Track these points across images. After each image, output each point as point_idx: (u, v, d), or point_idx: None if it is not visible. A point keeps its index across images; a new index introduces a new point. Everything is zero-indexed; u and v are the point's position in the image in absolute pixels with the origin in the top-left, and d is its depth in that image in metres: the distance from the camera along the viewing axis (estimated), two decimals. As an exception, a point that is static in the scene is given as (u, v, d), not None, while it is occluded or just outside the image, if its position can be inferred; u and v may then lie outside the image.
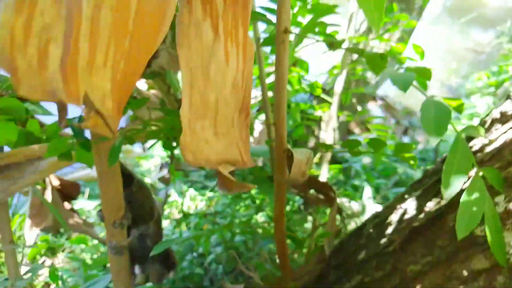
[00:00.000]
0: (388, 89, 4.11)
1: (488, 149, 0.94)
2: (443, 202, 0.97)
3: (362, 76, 2.30)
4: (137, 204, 1.51)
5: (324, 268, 1.35)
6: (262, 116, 2.68)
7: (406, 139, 3.76)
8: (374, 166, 3.04)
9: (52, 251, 2.79)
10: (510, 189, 0.85)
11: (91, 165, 1.51)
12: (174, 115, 1.38)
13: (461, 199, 0.73)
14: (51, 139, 1.41)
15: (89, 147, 1.34)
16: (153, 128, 1.44)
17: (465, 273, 0.88)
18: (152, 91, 1.98)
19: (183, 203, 2.96)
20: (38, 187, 2.19)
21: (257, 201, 2.56)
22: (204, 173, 3.47)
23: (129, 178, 1.54)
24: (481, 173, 0.77)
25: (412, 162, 1.01)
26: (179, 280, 2.20)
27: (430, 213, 1.01)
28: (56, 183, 2.17)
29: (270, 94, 1.68)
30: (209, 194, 3.00)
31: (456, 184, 0.71)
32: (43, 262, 2.68)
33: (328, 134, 2.37)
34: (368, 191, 2.20)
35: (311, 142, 2.96)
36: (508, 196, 0.84)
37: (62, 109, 1.29)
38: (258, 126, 2.59)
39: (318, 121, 2.99)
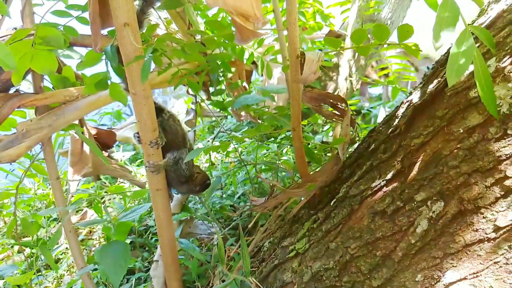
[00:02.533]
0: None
1: (483, 25, 1.03)
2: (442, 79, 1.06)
3: (377, 9, 2.32)
4: (170, 129, 1.68)
5: (339, 171, 1.47)
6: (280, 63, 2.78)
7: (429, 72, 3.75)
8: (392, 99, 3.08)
9: (90, 201, 3.03)
10: (500, 51, 0.94)
11: (124, 101, 1.68)
12: (195, 51, 1.46)
13: (451, 51, 0.83)
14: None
15: (122, 70, 1.49)
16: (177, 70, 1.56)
17: (461, 131, 0.98)
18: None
19: (210, 154, 3.13)
20: (77, 136, 2.38)
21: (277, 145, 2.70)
22: (227, 127, 3.64)
23: (160, 109, 1.70)
24: (470, 29, 0.86)
25: (414, 48, 1.10)
26: (212, 213, 2.38)
27: (431, 92, 1.11)
28: (93, 132, 2.32)
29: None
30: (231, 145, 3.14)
31: (445, 35, 0.81)
32: (85, 213, 2.93)
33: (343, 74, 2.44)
34: (382, 113, 2.28)
35: (330, 87, 3.03)
36: (499, 57, 0.94)
37: (96, 34, 1.43)
38: (277, 72, 2.70)
39: (336, 67, 3.05)
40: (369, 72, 3.53)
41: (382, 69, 3.17)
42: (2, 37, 1.70)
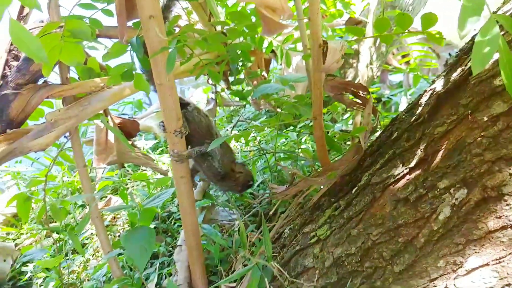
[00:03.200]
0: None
1: (508, 13, 1.02)
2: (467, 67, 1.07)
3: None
4: (193, 120, 1.71)
5: (360, 159, 1.49)
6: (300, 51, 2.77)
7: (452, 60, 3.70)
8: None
9: (116, 190, 3.13)
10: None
11: (147, 91, 1.72)
12: (216, 41, 1.48)
13: (475, 39, 0.84)
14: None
15: (147, 62, 1.53)
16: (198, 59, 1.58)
17: (485, 119, 0.99)
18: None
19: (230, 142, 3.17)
20: (102, 125, 2.45)
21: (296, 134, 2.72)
22: (246, 116, 3.66)
23: (185, 104, 1.74)
24: (495, 18, 0.86)
25: (438, 36, 1.11)
26: (232, 200, 2.43)
27: (455, 80, 1.12)
28: (117, 121, 2.37)
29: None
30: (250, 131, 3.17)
31: (470, 25, 0.82)
32: (109, 199, 3.02)
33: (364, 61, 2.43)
34: (404, 101, 2.27)
35: (350, 75, 3.03)
36: (524, 45, 0.93)
37: (122, 27, 1.47)
38: (295, 60, 2.70)
39: (356, 54, 3.04)
40: (389, 59, 3.50)
41: (403, 56, 3.14)
42: (30, 29, 1.75)
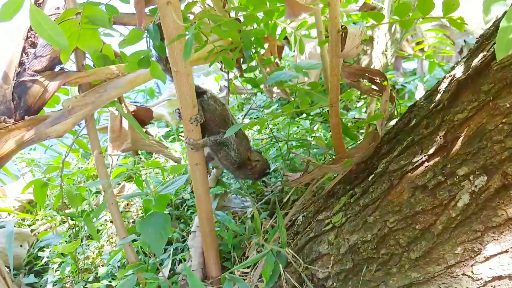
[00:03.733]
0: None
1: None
2: (489, 53, 1.05)
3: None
4: (208, 108, 1.71)
5: (377, 147, 1.49)
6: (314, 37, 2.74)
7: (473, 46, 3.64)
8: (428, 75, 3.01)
9: (129, 178, 3.16)
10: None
11: (163, 80, 1.73)
12: (231, 28, 1.48)
13: (500, 25, 0.82)
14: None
15: (164, 49, 1.54)
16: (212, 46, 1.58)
17: (507, 106, 0.98)
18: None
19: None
20: (116, 113, 2.47)
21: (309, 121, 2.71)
22: (258, 104, 3.66)
23: (202, 92, 1.74)
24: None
25: (459, 21, 1.09)
26: (245, 188, 2.45)
27: (476, 66, 1.10)
28: (132, 108, 2.39)
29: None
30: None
31: (495, 9, 0.80)
32: (123, 186, 3.06)
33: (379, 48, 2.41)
34: (421, 88, 2.25)
35: (364, 62, 3.00)
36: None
37: (141, 14, 1.47)
38: (308, 47, 2.68)
39: (370, 40, 3.01)
40: (403, 46, 3.46)
41: (418, 43, 3.10)
42: (46, 16, 1.76)
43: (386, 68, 3.09)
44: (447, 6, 1.08)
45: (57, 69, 1.81)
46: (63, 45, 1.14)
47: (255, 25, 2.07)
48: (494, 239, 1.02)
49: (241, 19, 1.78)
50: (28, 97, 1.73)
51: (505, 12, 0.86)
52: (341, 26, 1.20)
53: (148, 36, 1.50)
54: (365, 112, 2.77)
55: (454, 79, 1.22)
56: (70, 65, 1.92)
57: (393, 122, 1.59)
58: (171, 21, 1.33)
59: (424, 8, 1.09)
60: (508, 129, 0.99)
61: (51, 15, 1.76)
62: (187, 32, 1.34)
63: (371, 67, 2.78)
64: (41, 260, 2.52)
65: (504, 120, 1.00)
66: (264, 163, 1.80)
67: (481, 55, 1.13)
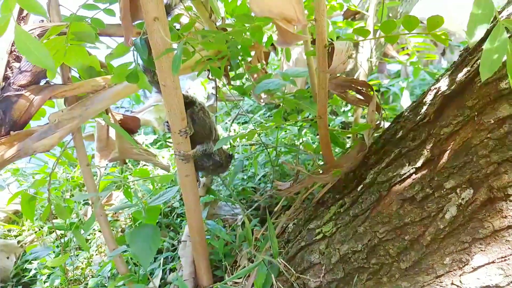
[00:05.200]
0: (425, 11, 3.99)
1: (514, 15, 1.04)
2: (472, 68, 1.08)
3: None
4: (198, 121, 1.72)
5: (365, 156, 1.51)
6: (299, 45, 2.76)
7: (444, 60, 3.73)
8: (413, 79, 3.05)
9: (117, 186, 3.13)
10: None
11: (149, 90, 1.72)
12: (218, 40, 1.49)
13: (484, 47, 0.85)
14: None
15: (152, 62, 1.53)
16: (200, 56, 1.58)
17: (491, 122, 1.01)
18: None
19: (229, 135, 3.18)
20: (103, 122, 2.45)
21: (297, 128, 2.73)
22: (245, 109, 3.67)
23: (191, 102, 1.75)
24: (503, 24, 0.87)
25: (443, 37, 1.12)
26: (235, 195, 2.45)
27: (460, 81, 1.13)
28: (118, 117, 2.37)
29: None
30: (250, 127, 3.18)
31: (479, 32, 0.83)
32: (110, 195, 3.03)
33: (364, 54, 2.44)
34: (406, 95, 2.29)
35: (349, 66, 3.03)
36: (531, 48, 0.95)
37: (127, 29, 1.46)
38: (295, 52, 2.70)
39: (355, 44, 3.03)
40: (387, 49, 3.50)
41: (403, 48, 3.14)
42: (30, 30, 1.73)
43: (371, 71, 3.14)
44: (432, 23, 1.11)
45: (42, 82, 1.79)
46: (50, 66, 1.13)
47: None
48: (482, 250, 1.05)
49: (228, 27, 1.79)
50: (13, 111, 1.70)
51: (489, 32, 0.88)
52: (328, 41, 1.22)
53: (135, 50, 1.49)
54: (352, 116, 2.81)
55: (439, 92, 1.25)
56: (56, 77, 1.90)
57: (382, 132, 1.61)
58: (159, 36, 1.32)
59: (409, 25, 1.12)
60: (493, 144, 1.02)
61: (35, 28, 1.74)
62: (175, 47, 1.34)
63: (357, 71, 2.81)
64: (29, 272, 2.48)
65: (489, 135, 1.03)
66: (224, 150, 1.86)
67: (465, 70, 1.16)
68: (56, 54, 1.41)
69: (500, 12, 1.19)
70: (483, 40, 0.96)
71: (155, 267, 2.24)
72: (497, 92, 1.02)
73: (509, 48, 0.87)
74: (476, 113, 1.06)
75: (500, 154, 1.00)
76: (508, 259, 0.99)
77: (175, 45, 1.31)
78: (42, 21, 1.81)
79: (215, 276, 2.02)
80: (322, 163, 1.87)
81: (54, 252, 2.53)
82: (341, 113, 2.95)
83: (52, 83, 1.79)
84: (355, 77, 2.70)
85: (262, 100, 2.47)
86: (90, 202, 2.69)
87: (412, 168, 1.21)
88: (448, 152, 1.12)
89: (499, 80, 1.03)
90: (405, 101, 2.39)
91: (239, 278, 1.83)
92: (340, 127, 2.95)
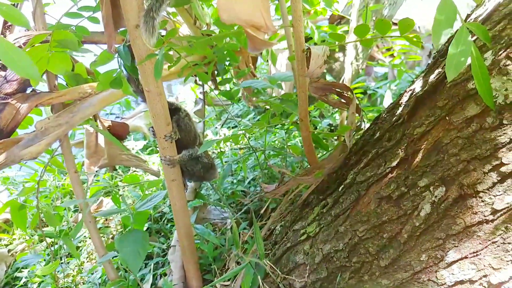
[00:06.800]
0: (410, 13, 4.05)
1: (481, 17, 1.08)
2: (442, 70, 1.12)
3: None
4: (184, 127, 1.75)
5: (346, 157, 1.55)
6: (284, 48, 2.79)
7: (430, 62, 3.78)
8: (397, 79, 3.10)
9: (107, 193, 3.14)
10: (496, 44, 0.99)
11: (135, 96, 1.75)
12: (203, 46, 1.52)
13: (449, 51, 0.88)
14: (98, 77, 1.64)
15: (135, 69, 1.56)
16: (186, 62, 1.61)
17: (460, 121, 1.05)
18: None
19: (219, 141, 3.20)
20: (91, 129, 2.46)
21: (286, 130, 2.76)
22: (234, 113, 3.69)
23: (176, 109, 1.77)
24: (467, 27, 0.91)
25: (415, 39, 1.15)
26: (224, 199, 2.48)
27: (432, 82, 1.17)
28: (107, 124, 2.39)
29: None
30: (240, 132, 3.20)
31: (444, 36, 0.86)
32: (101, 202, 3.04)
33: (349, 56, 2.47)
34: (388, 95, 2.33)
35: (336, 69, 3.07)
36: (495, 51, 0.99)
37: (110, 36, 1.49)
38: (283, 56, 2.74)
39: (341, 48, 3.08)
40: (373, 52, 3.55)
41: (388, 49, 3.19)
42: (16, 39, 1.75)
43: (357, 74, 3.18)
44: (403, 26, 1.15)
45: (28, 90, 1.80)
46: (34, 76, 1.15)
47: (227, 39, 2.11)
48: (455, 246, 1.08)
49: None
50: (0, 120, 1.72)
51: (453, 36, 0.92)
52: (306, 46, 1.25)
53: (119, 56, 1.52)
54: (339, 119, 2.84)
55: (413, 94, 1.29)
56: (42, 84, 1.92)
57: (362, 132, 1.65)
58: (141, 43, 1.35)
59: (382, 29, 1.15)
60: (462, 143, 1.06)
61: (20, 37, 1.76)
62: (157, 52, 1.37)
63: (343, 74, 2.86)
64: (20, 281, 2.48)
65: (458, 135, 1.06)
66: (210, 155, 1.92)
67: (436, 71, 1.20)
68: (39, 61, 1.43)
69: (469, 15, 1.23)
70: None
71: (145, 273, 2.25)
72: (465, 92, 1.06)
73: (473, 50, 0.91)
74: (446, 113, 1.10)
75: (469, 152, 1.04)
76: (479, 254, 1.03)
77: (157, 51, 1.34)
78: (27, 29, 1.83)
79: (205, 280, 2.03)
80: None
81: (44, 260, 2.53)
82: (328, 116, 2.99)
83: (38, 91, 1.81)
84: (341, 79, 2.74)
85: (250, 103, 2.51)
86: (79, 208, 2.70)
87: (388, 168, 1.24)
88: (421, 151, 1.15)
89: (466, 81, 1.06)
90: (387, 102, 2.43)
91: (227, 281, 1.84)
92: (328, 129, 2.99)
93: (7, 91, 1.71)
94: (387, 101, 2.37)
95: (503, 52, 0.98)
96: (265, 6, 0.89)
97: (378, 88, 3.45)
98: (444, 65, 1.18)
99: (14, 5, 1.70)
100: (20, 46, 1.71)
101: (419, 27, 4.19)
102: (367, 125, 1.61)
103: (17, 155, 1.69)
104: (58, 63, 1.52)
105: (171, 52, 1.59)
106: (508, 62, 0.97)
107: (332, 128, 3.11)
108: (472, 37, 0.99)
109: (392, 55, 3.38)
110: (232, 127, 3.59)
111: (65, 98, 1.83)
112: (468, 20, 1.19)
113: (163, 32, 2.00)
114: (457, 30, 0.92)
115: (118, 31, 1.57)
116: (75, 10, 1.59)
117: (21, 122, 1.79)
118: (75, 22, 1.57)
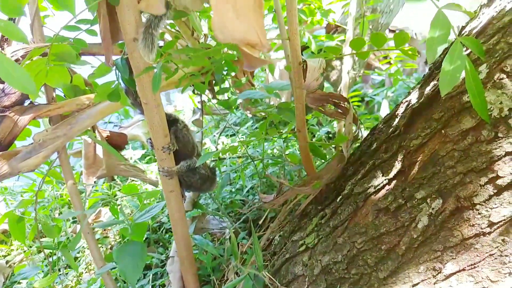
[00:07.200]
0: (407, 20, 4.06)
1: (475, 30, 1.09)
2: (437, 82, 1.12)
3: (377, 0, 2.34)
4: (182, 138, 1.75)
5: (343, 167, 1.55)
6: (281, 58, 2.80)
7: (427, 69, 3.80)
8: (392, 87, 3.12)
9: (105, 203, 3.14)
10: (490, 58, 1.00)
11: (133, 107, 1.75)
12: (201, 56, 1.53)
13: (442, 66, 0.89)
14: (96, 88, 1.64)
15: (133, 82, 1.56)
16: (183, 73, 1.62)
17: (456, 134, 1.05)
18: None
19: (217, 148, 3.21)
20: (90, 140, 2.46)
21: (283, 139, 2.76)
22: (232, 121, 3.70)
23: (174, 120, 1.78)
24: (460, 41, 0.92)
25: (410, 52, 1.16)
26: (222, 208, 2.48)
27: (428, 94, 1.18)
28: (105, 134, 2.39)
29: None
30: (236, 144, 3.21)
31: (439, 51, 0.87)
32: (99, 212, 3.03)
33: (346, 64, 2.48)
34: (385, 105, 2.34)
35: (333, 77, 3.08)
36: (489, 64, 0.99)
37: (108, 49, 1.50)
38: (281, 65, 2.75)
39: (339, 56, 3.09)
40: (370, 59, 3.57)
41: (385, 57, 3.21)
42: (14, 51, 1.76)
43: (354, 81, 3.19)
44: (398, 39, 1.16)
45: (26, 103, 1.81)
46: (32, 91, 1.15)
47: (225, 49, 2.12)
48: (453, 258, 1.08)
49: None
50: (-3, 132, 1.72)
51: (448, 48, 0.93)
52: (302, 59, 1.26)
53: (117, 69, 1.52)
54: (336, 127, 2.85)
55: (409, 105, 1.30)
56: (40, 96, 1.92)
57: (359, 143, 1.65)
58: (139, 56, 1.36)
59: (377, 42, 1.16)
60: (458, 156, 1.06)
61: (18, 50, 1.77)
62: (154, 65, 1.37)
63: (341, 82, 2.87)
64: (18, 292, 2.47)
65: (454, 147, 1.07)
66: (208, 165, 1.91)
67: (432, 83, 1.21)
68: (38, 75, 1.44)
69: (464, 27, 1.24)
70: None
71: (144, 283, 2.24)
72: (460, 105, 1.07)
73: (467, 65, 0.91)
74: (442, 126, 1.10)
75: (465, 165, 1.04)
76: (477, 266, 1.03)
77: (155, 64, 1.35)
78: (26, 42, 1.84)
79: (203, 291, 2.03)
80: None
81: (42, 271, 2.52)
82: (326, 123, 2.99)
83: (36, 103, 1.82)
84: (339, 88, 2.75)
85: (248, 112, 2.51)
86: (78, 219, 2.70)
87: (385, 179, 1.25)
88: (417, 163, 1.16)
89: (462, 94, 1.07)
90: (384, 111, 2.44)
91: (226, 292, 1.84)
92: (326, 137, 3.00)
93: (5, 103, 1.71)
94: (384, 110, 2.38)
95: (497, 65, 0.99)
96: (259, 24, 0.90)
97: (375, 95, 3.46)
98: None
99: (12, 19, 1.71)
100: (18, 59, 1.72)
101: (415, 33, 4.21)
102: (365, 133, 1.62)
103: (15, 168, 1.69)
104: (56, 76, 1.53)
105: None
106: (503, 75, 0.98)
107: (330, 136, 3.12)
108: (466, 50, 1.00)
109: (389, 63, 3.39)
110: (231, 135, 3.59)
111: (63, 110, 1.83)
112: (462, 33, 1.20)
113: (161, 43, 2.02)
114: (451, 42, 0.93)
115: (117, 43, 1.58)
116: (73, 23, 1.59)
117: (19, 135, 1.79)
118: (73, 35, 1.57)
